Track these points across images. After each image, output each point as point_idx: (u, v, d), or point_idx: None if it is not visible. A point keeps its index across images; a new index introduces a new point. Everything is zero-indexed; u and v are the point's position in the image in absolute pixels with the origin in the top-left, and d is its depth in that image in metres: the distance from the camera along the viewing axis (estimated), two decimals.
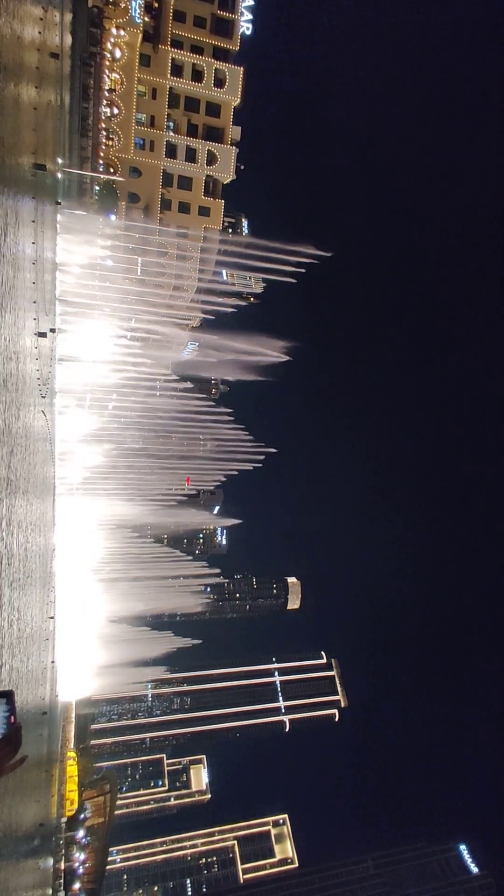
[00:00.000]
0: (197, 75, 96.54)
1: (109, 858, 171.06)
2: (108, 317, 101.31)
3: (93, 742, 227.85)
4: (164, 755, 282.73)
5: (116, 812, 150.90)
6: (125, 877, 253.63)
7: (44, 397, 45.81)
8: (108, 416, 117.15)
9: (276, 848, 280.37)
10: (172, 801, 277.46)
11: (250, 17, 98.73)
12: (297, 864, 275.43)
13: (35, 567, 35.10)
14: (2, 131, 18.83)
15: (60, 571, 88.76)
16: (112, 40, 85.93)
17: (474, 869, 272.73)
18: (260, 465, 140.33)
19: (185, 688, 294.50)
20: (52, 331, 56.59)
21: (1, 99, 18.23)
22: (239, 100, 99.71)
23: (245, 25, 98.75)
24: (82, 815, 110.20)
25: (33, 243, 32.27)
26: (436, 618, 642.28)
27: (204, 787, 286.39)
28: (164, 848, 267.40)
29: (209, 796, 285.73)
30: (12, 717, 4.93)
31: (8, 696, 5.00)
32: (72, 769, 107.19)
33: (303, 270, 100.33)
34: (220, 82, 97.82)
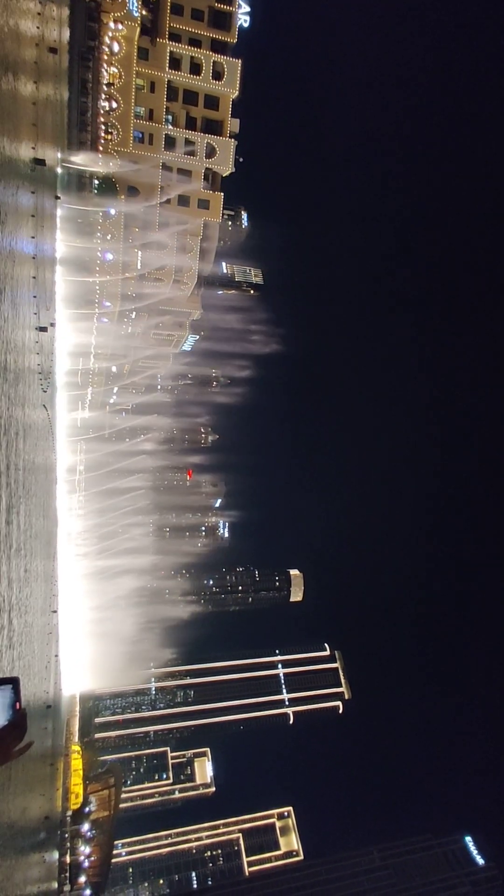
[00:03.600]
0: (195, 68, 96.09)
1: (114, 852, 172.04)
2: (109, 311, 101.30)
3: (97, 735, 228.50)
4: (168, 748, 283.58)
5: (121, 805, 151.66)
6: (130, 870, 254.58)
7: (45, 391, 45.87)
8: (109, 410, 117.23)
9: (281, 840, 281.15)
10: (177, 795, 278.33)
11: (248, 9, 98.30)
12: (302, 857, 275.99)
13: (38, 561, 35.21)
14: (1, 127, 18.81)
15: (62, 567, 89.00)
16: (110, 34, 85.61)
17: (480, 860, 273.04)
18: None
19: (189, 681, 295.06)
20: (52, 325, 56.63)
21: (0, 94, 18.20)
22: (237, 92, 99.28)
23: (243, 18, 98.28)
24: (87, 809, 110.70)
25: (33, 238, 32.26)
26: (440, 608, 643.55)
27: (208, 780, 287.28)
28: (169, 841, 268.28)
29: (213, 789, 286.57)
30: (18, 704, 4.99)
31: (14, 682, 5.05)
32: (76, 763, 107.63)
33: None
34: (218, 75, 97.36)
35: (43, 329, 38.59)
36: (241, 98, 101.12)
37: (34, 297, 33.36)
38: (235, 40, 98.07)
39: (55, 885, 76.12)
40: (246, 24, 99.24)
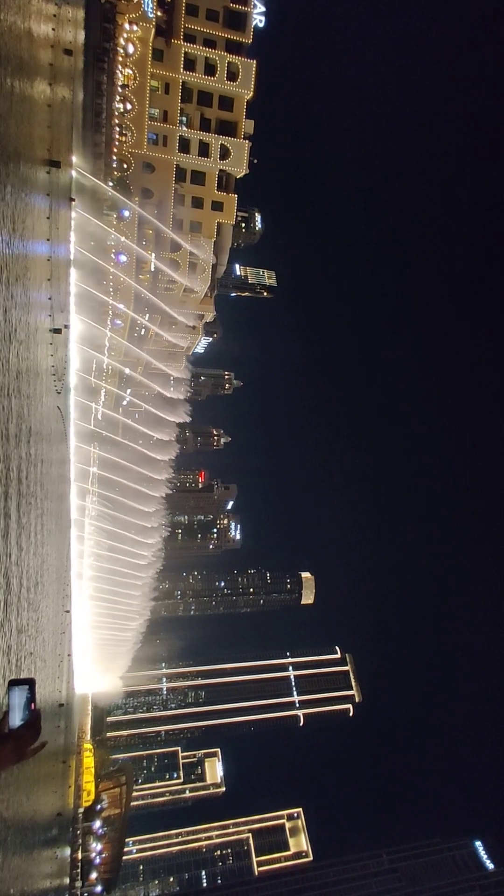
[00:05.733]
0: (210, 69, 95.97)
1: (125, 849, 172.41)
2: (122, 313, 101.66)
3: (109, 734, 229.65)
4: (178, 748, 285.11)
5: (132, 803, 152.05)
6: (141, 867, 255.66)
7: (59, 393, 46.17)
8: (122, 412, 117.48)
9: (291, 841, 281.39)
10: (187, 794, 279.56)
11: (263, 9, 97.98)
12: (311, 858, 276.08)
13: (51, 561, 35.42)
14: (17, 129, 19.01)
15: (75, 567, 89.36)
16: (125, 36, 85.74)
17: (490, 865, 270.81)
18: None
19: (200, 682, 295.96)
20: (66, 327, 56.92)
21: (17, 97, 18.39)
22: (252, 93, 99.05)
23: (258, 18, 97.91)
24: (99, 806, 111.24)
25: (48, 240, 32.49)
26: (452, 613, 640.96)
27: (218, 780, 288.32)
28: (180, 839, 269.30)
29: (224, 789, 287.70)
30: (33, 704, 5.10)
31: (30, 683, 5.17)
32: (88, 760, 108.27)
33: None
34: (232, 76, 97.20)
35: (57, 331, 38.84)
36: (256, 99, 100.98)
37: (49, 299, 33.59)
38: (251, 41, 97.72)
39: (67, 880, 76.54)
40: (261, 25, 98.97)
